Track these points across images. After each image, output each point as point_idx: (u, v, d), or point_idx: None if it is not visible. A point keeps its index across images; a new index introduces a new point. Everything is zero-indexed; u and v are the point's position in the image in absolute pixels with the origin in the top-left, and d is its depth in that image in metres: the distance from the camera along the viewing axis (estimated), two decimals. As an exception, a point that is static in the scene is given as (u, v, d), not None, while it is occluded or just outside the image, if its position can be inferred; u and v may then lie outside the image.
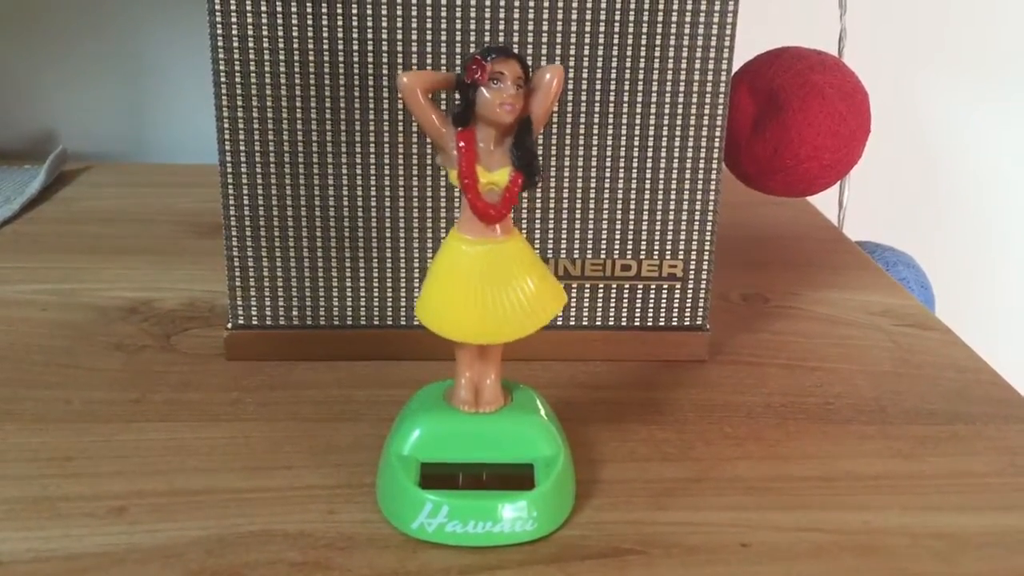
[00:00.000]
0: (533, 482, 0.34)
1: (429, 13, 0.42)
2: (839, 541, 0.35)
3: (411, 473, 0.34)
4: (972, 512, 0.37)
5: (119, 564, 0.32)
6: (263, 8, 0.41)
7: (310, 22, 0.42)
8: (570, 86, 0.43)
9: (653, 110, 0.44)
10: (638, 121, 0.44)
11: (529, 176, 0.33)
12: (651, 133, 0.45)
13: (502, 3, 0.42)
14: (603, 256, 0.46)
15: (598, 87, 0.44)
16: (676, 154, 0.45)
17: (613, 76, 0.44)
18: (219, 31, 0.42)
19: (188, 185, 0.75)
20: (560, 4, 0.42)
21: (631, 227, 0.46)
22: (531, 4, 0.42)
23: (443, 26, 0.42)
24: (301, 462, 0.38)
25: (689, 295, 0.47)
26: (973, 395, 0.46)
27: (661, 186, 0.45)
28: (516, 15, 0.42)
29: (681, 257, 0.47)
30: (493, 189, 0.33)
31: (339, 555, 0.33)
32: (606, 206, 0.46)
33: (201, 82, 0.82)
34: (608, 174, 0.45)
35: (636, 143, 0.45)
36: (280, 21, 0.42)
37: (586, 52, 0.43)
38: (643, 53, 0.43)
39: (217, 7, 0.41)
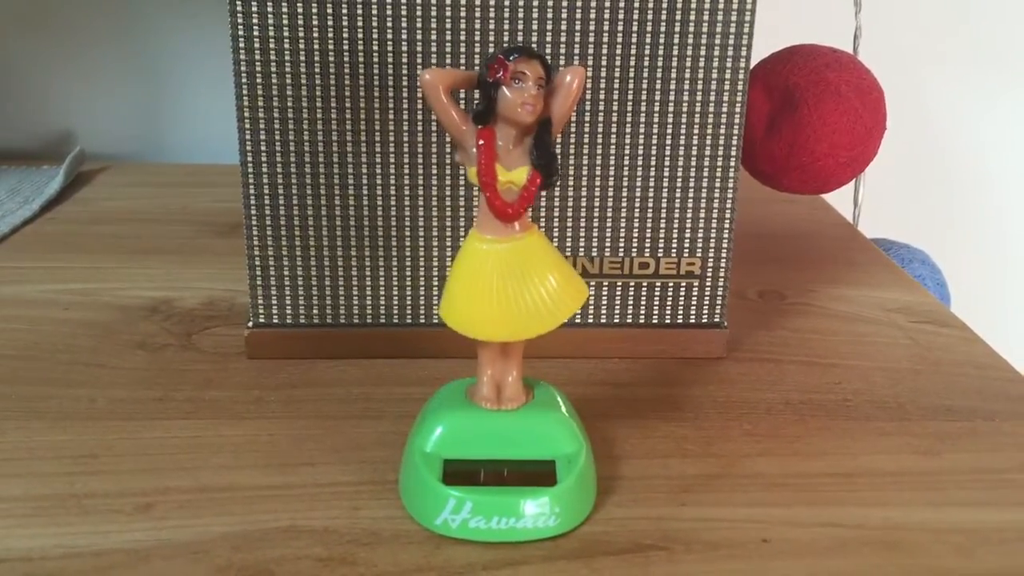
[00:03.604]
0: (555, 478, 0.35)
1: (449, 13, 0.42)
2: (860, 537, 0.35)
3: (434, 469, 0.34)
4: (992, 507, 0.37)
5: (146, 560, 0.32)
6: (284, 8, 0.42)
7: (331, 22, 0.42)
8: (589, 85, 0.44)
9: (671, 108, 0.44)
10: (656, 120, 0.45)
11: (547, 176, 0.33)
12: (669, 132, 0.45)
13: (521, 3, 0.42)
14: (621, 254, 0.47)
15: (616, 86, 0.44)
16: (694, 152, 0.45)
17: (631, 75, 0.44)
18: (241, 31, 0.42)
19: (206, 185, 0.76)
20: (579, 4, 0.42)
21: (649, 225, 0.46)
22: (550, 4, 0.42)
23: (463, 26, 0.42)
24: (324, 459, 0.39)
25: (707, 292, 0.47)
26: (991, 391, 0.46)
27: (679, 184, 0.46)
28: (535, 15, 0.42)
29: (699, 255, 0.47)
30: (511, 188, 0.33)
31: (364, 551, 0.33)
32: (624, 204, 0.46)
33: (218, 82, 0.82)
34: (626, 172, 0.45)
35: (654, 142, 0.45)
36: (301, 21, 0.42)
37: (604, 52, 0.43)
38: (661, 52, 0.44)
39: (239, 7, 0.42)
